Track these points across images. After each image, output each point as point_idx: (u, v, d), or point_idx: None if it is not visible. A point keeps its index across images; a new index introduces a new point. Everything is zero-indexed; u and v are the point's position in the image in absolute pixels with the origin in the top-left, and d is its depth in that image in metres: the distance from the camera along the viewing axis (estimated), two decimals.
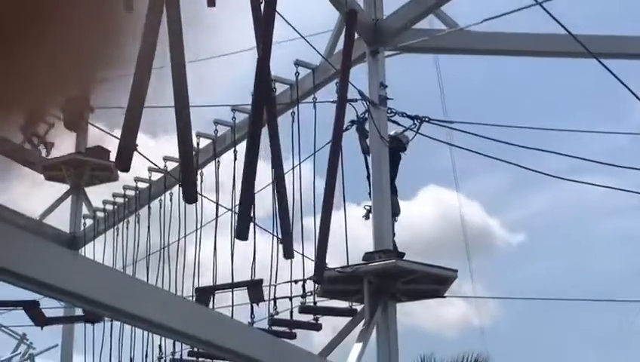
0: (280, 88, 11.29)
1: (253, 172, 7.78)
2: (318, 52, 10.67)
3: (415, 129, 10.61)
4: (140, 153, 7.30)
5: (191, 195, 7.25)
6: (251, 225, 7.92)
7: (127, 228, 14.21)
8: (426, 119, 10.64)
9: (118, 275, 7.07)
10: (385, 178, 10.37)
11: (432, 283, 10.07)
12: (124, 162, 6.49)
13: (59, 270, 5.00)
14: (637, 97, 8.70)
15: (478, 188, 27.85)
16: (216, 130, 12.55)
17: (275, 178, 8.63)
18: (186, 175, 7.02)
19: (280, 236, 8.26)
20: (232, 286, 9.72)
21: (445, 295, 10.26)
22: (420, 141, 10.88)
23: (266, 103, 8.18)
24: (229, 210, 10.98)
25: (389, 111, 10.58)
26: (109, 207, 14.59)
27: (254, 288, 9.50)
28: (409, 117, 10.62)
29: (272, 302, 9.86)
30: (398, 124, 10.69)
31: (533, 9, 10.49)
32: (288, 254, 8.24)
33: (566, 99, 25.69)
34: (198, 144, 12.70)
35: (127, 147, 6.43)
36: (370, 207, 10.41)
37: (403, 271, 9.69)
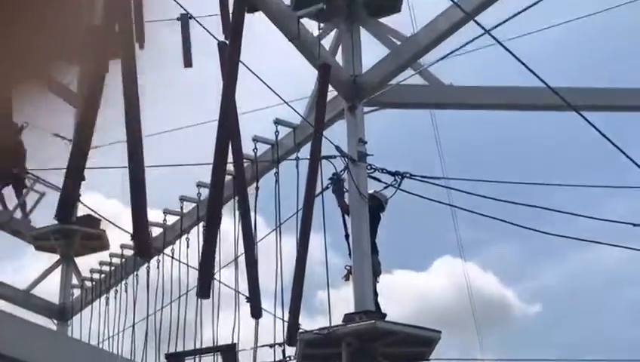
0: (262, 148, 11.14)
1: (214, 236, 7.54)
2: (296, 111, 10.50)
3: (396, 185, 10.30)
4: (83, 203, 7.01)
5: (144, 251, 6.98)
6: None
7: (116, 296, 13.99)
8: (407, 175, 10.35)
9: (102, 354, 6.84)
10: (365, 237, 10.04)
11: (416, 345, 9.64)
12: (65, 214, 6.27)
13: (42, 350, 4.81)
14: (624, 153, 8.37)
15: (492, 258, 27.67)
16: (182, 206, 12.53)
17: (245, 246, 8.37)
18: (137, 230, 6.74)
19: (247, 295, 7.92)
20: (202, 351, 9.35)
21: (430, 358, 9.80)
22: (432, 211, 10.66)
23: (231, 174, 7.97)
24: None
25: (368, 167, 10.30)
26: (97, 276, 14.37)
27: (227, 354, 9.12)
28: (389, 173, 10.34)
29: None
30: (379, 180, 10.40)
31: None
32: (256, 314, 7.88)
33: (561, 155, 25.22)
34: (164, 220, 12.67)
35: (70, 198, 6.23)
36: (350, 267, 10.05)
37: (383, 332, 9.28)
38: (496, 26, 8.26)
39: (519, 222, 10.44)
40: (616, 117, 11.72)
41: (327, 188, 10.38)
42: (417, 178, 10.38)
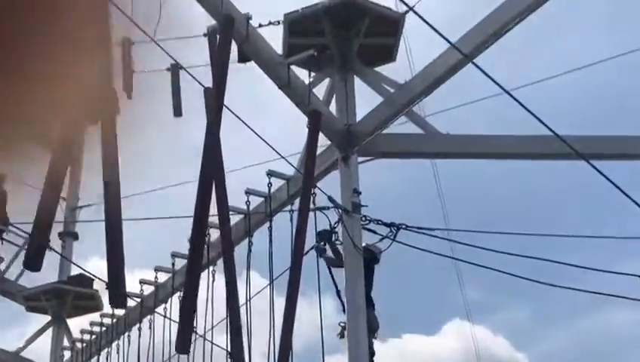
0: (255, 201, 10.83)
1: (195, 288, 7.22)
2: (288, 162, 10.20)
3: (392, 237, 9.92)
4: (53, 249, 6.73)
5: (119, 302, 6.63)
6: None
7: (108, 358, 13.54)
8: (403, 226, 9.98)
9: None
10: (360, 291, 9.64)
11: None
12: (36, 262, 5.97)
13: None
14: (633, 201, 8.02)
15: (502, 321, 27.32)
16: (156, 277, 12.26)
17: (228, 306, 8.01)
18: (112, 279, 6.39)
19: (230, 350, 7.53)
20: None
21: None
22: (437, 266, 10.29)
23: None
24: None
25: (363, 218, 9.95)
26: (88, 337, 13.94)
27: None
28: (385, 224, 9.98)
29: None
30: (374, 232, 10.03)
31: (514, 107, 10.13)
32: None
33: (568, 205, 24.75)
34: (156, 278, 12.37)
35: (39, 245, 5.94)
36: (344, 324, 9.62)
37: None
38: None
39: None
40: (627, 166, 11.33)
41: (317, 244, 10.05)
42: (413, 229, 10.01)
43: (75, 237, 15.60)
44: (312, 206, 9.95)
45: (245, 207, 10.81)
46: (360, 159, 10.35)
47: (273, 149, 9.46)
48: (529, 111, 7.97)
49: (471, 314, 14.27)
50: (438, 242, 10.17)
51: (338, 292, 9.76)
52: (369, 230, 10.00)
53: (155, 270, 12.57)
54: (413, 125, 10.47)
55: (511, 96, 7.96)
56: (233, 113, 7.78)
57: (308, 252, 10.12)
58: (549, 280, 10.22)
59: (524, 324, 29.31)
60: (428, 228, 10.01)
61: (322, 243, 9.93)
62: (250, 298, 9.76)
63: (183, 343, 6.98)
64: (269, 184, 10.45)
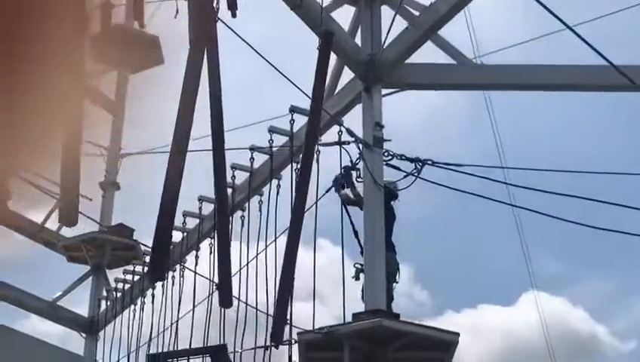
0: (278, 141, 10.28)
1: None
2: (307, 95, 9.54)
3: (416, 173, 9.20)
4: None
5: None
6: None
7: (142, 308, 13.25)
8: (429, 162, 9.24)
9: None
10: (379, 230, 8.95)
11: (432, 349, 8.44)
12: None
13: None
14: None
15: (583, 294, 26.24)
16: (184, 222, 11.75)
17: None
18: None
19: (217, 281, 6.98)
20: (188, 352, 8.40)
21: None
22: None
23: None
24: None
25: (385, 154, 9.25)
26: (122, 286, 13.68)
27: (217, 356, 8.15)
28: (408, 160, 9.25)
29: None
30: (398, 168, 9.31)
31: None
32: (225, 303, 6.90)
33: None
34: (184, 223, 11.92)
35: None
36: (360, 265, 8.97)
37: (391, 332, 8.13)
38: None
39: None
40: None
41: (337, 177, 9.42)
42: (440, 165, 9.26)
43: (117, 187, 15.34)
44: (328, 141, 9.37)
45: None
46: (385, 91, 9.64)
47: (292, 83, 8.88)
48: (585, 41, 7.21)
49: (535, 282, 13.41)
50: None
51: (356, 233, 9.11)
52: (392, 166, 9.30)
53: (183, 215, 12.14)
54: (444, 55, 9.69)
55: (571, 30, 7.22)
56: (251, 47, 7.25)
57: (328, 190, 9.54)
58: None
59: (606, 296, 28.15)
60: (456, 164, 9.25)
61: (341, 180, 9.29)
62: (276, 237, 9.20)
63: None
64: (292, 121, 9.86)
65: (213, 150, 6.91)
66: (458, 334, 8.29)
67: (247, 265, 9.55)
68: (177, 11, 8.84)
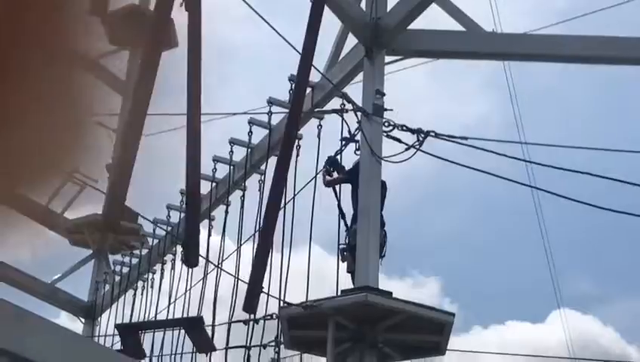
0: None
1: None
2: (314, 67, 8.95)
3: (417, 145, 8.53)
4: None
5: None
6: None
7: (143, 292, 12.74)
8: (432, 133, 8.58)
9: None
10: (375, 204, 8.31)
11: (425, 331, 7.75)
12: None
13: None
14: None
15: (614, 313, 25.36)
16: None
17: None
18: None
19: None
20: (161, 324, 7.83)
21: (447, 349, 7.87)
22: None
23: None
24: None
25: (385, 124, 8.61)
26: (119, 269, 13.21)
27: (192, 328, 7.55)
28: (410, 130, 8.59)
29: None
30: (398, 140, 8.65)
31: None
32: (190, 263, 6.34)
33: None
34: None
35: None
36: (345, 245, 8.31)
37: (378, 309, 7.45)
38: None
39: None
40: None
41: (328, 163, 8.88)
42: (443, 137, 8.59)
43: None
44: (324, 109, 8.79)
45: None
46: (389, 59, 9.02)
47: (291, 45, 8.29)
48: None
49: (563, 300, 12.59)
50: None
51: (342, 215, 8.52)
52: (392, 138, 8.65)
53: (180, 193, 11.61)
54: (454, 23, 9.05)
55: None
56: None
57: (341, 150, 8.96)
58: None
59: (638, 317, 27.21)
60: (462, 137, 8.57)
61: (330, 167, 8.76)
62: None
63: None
64: (291, 90, 9.29)
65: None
66: (453, 314, 7.59)
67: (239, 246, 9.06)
68: None
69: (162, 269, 12.30)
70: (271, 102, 9.82)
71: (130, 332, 7.47)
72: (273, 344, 8.04)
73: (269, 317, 7.77)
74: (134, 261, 12.94)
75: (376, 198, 8.32)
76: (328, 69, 9.60)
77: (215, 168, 10.78)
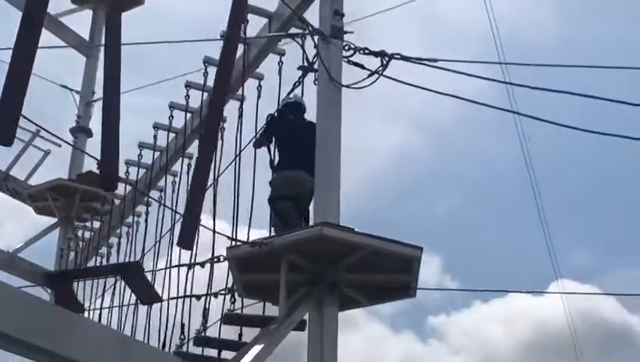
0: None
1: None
2: None
3: (380, 70, 7.71)
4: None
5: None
6: None
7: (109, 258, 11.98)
8: (397, 56, 7.75)
9: None
10: (335, 133, 7.49)
11: (390, 270, 6.93)
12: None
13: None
14: None
15: (615, 283, 24.80)
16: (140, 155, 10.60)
17: None
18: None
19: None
20: (97, 271, 7.04)
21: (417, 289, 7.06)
22: None
23: None
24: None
25: (345, 47, 7.79)
26: (81, 233, 12.44)
27: (131, 274, 6.75)
28: (373, 53, 7.77)
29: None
30: (361, 66, 7.83)
31: None
32: (107, 187, 5.54)
33: None
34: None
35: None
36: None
37: (336, 246, 6.63)
38: None
39: None
40: None
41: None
42: (411, 59, 7.76)
43: (89, 133, 14.04)
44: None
45: None
46: None
47: None
48: None
49: (561, 271, 11.82)
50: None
51: (271, 163, 7.81)
52: (353, 63, 7.82)
53: (139, 146, 10.81)
54: None
55: None
56: None
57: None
58: None
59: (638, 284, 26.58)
60: (430, 59, 7.73)
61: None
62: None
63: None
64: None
65: None
66: (421, 248, 6.76)
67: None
68: None
69: (127, 233, 11.50)
70: (206, 61, 8.97)
71: (61, 282, 6.66)
72: (224, 292, 7.24)
73: (215, 260, 6.98)
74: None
75: (337, 129, 7.50)
76: None
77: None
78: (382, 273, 6.90)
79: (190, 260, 7.07)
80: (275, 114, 8.26)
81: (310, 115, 8.28)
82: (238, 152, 7.51)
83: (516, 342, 26.92)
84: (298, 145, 7.85)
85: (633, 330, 26.14)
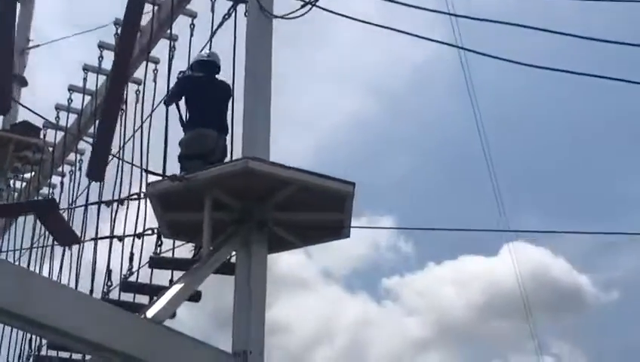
0: None
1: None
2: None
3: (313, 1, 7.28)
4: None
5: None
6: None
7: None
8: None
9: None
10: (265, 66, 7.09)
11: (322, 208, 6.59)
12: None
13: None
14: None
15: (565, 246, 24.96)
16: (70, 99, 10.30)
17: None
18: None
19: None
20: (9, 210, 6.60)
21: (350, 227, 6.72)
22: None
23: None
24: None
25: None
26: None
27: (45, 212, 6.32)
28: None
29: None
30: None
31: None
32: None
33: None
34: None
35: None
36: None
37: (264, 181, 6.26)
38: None
39: None
40: None
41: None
42: None
43: (24, 82, 13.44)
44: None
45: None
46: None
47: None
48: None
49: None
50: None
51: (182, 122, 7.41)
52: None
53: (68, 90, 10.33)
54: None
55: None
56: None
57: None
58: None
59: (588, 248, 26.82)
60: None
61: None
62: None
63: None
64: None
65: None
66: (353, 184, 6.41)
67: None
68: None
69: (62, 183, 11.01)
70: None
71: None
72: (149, 233, 6.84)
73: (134, 197, 6.58)
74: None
75: (267, 59, 7.09)
76: None
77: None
78: (313, 211, 6.55)
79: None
80: (188, 72, 7.84)
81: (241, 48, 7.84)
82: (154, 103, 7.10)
83: (468, 302, 26.96)
84: (208, 103, 7.43)
85: (583, 290, 26.35)
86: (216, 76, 7.73)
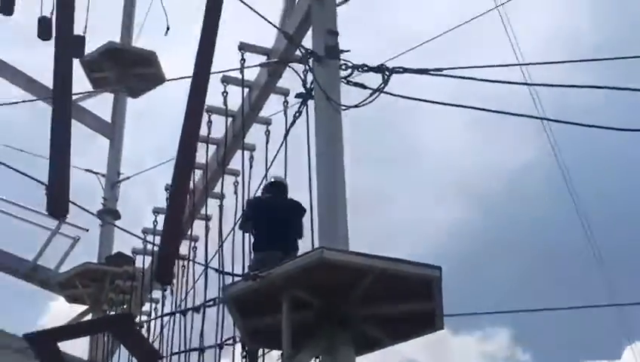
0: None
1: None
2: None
3: (382, 87, 7.03)
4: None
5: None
6: None
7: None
8: (400, 69, 7.08)
9: None
10: (338, 152, 6.82)
11: (411, 297, 6.07)
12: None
13: None
14: None
15: None
16: None
17: None
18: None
19: None
20: (86, 327, 6.35)
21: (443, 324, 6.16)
22: None
23: None
24: None
25: (342, 67, 7.16)
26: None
27: (122, 329, 6.06)
28: (372, 69, 7.12)
29: None
30: (362, 86, 7.16)
31: None
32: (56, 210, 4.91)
33: None
34: None
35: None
36: None
37: (342, 271, 5.83)
38: None
39: None
40: None
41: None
42: (413, 71, 7.09)
43: (117, 216, 13.55)
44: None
45: None
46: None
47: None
48: None
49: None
50: None
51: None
52: (351, 83, 7.17)
53: (153, 212, 10.21)
54: None
55: None
56: None
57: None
58: None
59: None
60: (435, 69, 7.05)
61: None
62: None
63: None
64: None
65: None
66: (439, 268, 5.92)
67: None
68: None
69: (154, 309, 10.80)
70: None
71: (44, 342, 5.99)
72: (231, 343, 6.46)
73: (210, 303, 6.24)
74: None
75: (339, 150, 6.82)
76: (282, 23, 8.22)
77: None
78: (400, 303, 6.05)
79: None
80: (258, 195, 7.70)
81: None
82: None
83: None
84: (276, 225, 7.18)
85: None
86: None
